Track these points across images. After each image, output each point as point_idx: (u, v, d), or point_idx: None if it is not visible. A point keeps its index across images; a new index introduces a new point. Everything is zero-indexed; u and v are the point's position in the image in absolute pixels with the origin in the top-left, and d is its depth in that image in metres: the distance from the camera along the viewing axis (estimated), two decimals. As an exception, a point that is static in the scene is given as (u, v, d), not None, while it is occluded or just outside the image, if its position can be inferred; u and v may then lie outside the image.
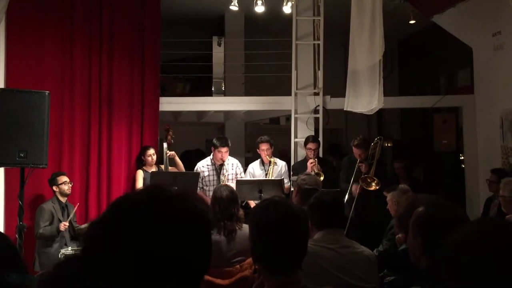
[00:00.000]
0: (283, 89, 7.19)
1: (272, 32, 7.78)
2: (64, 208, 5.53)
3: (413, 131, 9.72)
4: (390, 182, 5.50)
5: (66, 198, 5.58)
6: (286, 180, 5.90)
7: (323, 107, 6.88)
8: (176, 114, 8.23)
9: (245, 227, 3.55)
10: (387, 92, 5.84)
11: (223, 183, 5.58)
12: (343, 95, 6.22)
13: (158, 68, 6.68)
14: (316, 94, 6.92)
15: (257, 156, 6.29)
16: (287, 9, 6.98)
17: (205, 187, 5.84)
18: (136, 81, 6.49)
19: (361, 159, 5.72)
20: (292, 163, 6.59)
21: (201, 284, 0.99)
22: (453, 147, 7.82)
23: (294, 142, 6.87)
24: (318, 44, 6.90)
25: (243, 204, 5.51)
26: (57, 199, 5.51)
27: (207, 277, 3.40)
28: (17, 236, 4.70)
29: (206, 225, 1.00)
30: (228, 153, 5.81)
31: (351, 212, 5.53)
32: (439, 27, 7.02)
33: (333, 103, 6.92)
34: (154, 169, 6.10)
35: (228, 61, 8.23)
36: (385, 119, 10.17)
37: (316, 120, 6.91)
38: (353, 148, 5.82)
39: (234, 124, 8.96)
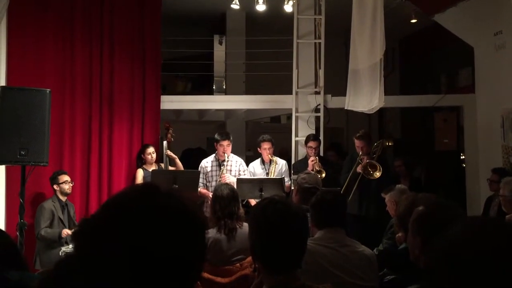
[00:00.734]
0: (284, 87, 7.19)
1: (273, 31, 7.78)
2: (64, 207, 5.54)
3: (414, 130, 9.71)
4: (392, 179, 5.50)
5: (66, 197, 5.59)
6: (286, 179, 5.90)
7: (324, 106, 6.89)
8: (177, 112, 8.24)
9: (246, 225, 3.55)
10: (388, 91, 5.84)
11: (222, 177, 5.60)
12: (344, 94, 6.22)
13: (159, 66, 6.68)
14: (317, 93, 6.92)
15: (257, 155, 6.29)
16: (288, 7, 6.98)
17: (208, 183, 5.85)
18: (137, 80, 6.49)
19: (363, 152, 5.71)
20: (293, 161, 6.60)
21: (200, 283, 0.99)
22: (454, 146, 7.82)
23: (295, 141, 6.87)
24: (319, 43, 6.90)
25: (244, 203, 5.52)
26: (57, 197, 5.52)
27: (207, 275, 3.40)
28: (18, 234, 4.71)
29: (195, 223, 1.00)
30: (230, 147, 5.82)
31: (348, 198, 5.49)
32: (440, 26, 7.01)
33: (334, 102, 6.93)
34: (154, 167, 6.11)
35: (229, 59, 8.23)
36: (386, 118, 10.17)
37: (317, 119, 6.91)
38: (355, 140, 5.80)
39: (235, 123, 8.96)
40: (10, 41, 6.00)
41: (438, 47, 8.68)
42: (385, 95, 5.51)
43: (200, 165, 5.97)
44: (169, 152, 5.99)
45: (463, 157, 7.64)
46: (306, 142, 6.10)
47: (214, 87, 8.13)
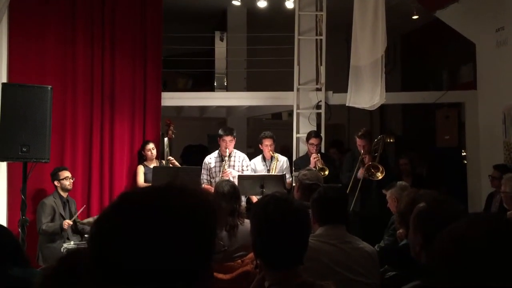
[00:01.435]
0: (285, 84, 7.19)
1: (274, 27, 7.77)
2: (65, 203, 5.55)
3: (415, 127, 9.70)
4: (393, 177, 5.49)
5: (67, 193, 5.60)
6: (288, 176, 5.90)
7: (325, 102, 6.88)
8: (178, 109, 8.23)
9: (247, 222, 3.56)
10: (389, 88, 5.83)
11: (224, 173, 5.61)
12: (345, 91, 6.22)
13: (160, 63, 6.68)
14: (318, 89, 6.91)
15: (258, 152, 6.30)
16: (289, 4, 6.97)
17: (212, 179, 5.86)
18: (138, 76, 6.49)
19: (364, 151, 5.71)
20: (294, 158, 6.59)
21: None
22: (455, 143, 7.80)
23: (296, 137, 6.87)
24: (321, 39, 6.88)
25: (246, 199, 5.53)
26: (59, 194, 5.53)
27: (208, 272, 3.40)
28: (20, 230, 4.72)
29: (214, 218, 1.00)
30: (233, 142, 5.83)
31: (352, 203, 5.50)
32: (442, 22, 6.99)
33: (335, 99, 6.92)
34: (155, 163, 6.12)
35: (230, 56, 8.22)
36: (387, 114, 10.16)
37: (318, 115, 6.91)
38: (357, 139, 5.80)
39: (236, 119, 8.95)
40: (11, 38, 6.00)
41: (440, 44, 8.66)
42: (386, 91, 5.51)
43: (204, 162, 5.99)
44: (171, 159, 5.98)
45: (465, 153, 7.63)
46: (308, 138, 6.09)
47: (215, 84, 8.12)
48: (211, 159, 5.93)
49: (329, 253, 2.52)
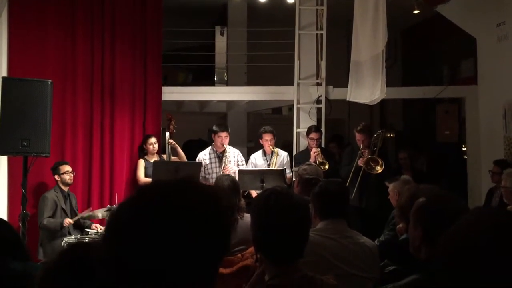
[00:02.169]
0: (286, 79, 7.17)
1: (275, 22, 7.75)
2: (66, 197, 5.56)
3: (416, 122, 9.70)
4: (393, 172, 5.49)
5: (68, 187, 5.61)
6: (288, 171, 5.91)
7: (326, 97, 6.87)
8: (178, 103, 8.23)
9: (247, 216, 3.56)
10: (389, 83, 5.82)
11: (225, 169, 5.61)
12: (346, 85, 6.21)
13: (160, 57, 6.67)
14: (318, 84, 6.90)
15: (259, 146, 6.30)
16: (290, -2, 6.94)
17: (207, 176, 5.86)
18: (138, 71, 6.49)
19: (363, 145, 5.71)
20: (294, 153, 6.60)
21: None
22: (455, 138, 7.80)
23: (296, 132, 6.87)
24: (321, 34, 6.86)
25: (245, 194, 5.54)
26: (60, 188, 5.54)
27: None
28: (20, 224, 4.73)
29: (225, 219, 1.00)
30: (228, 139, 5.84)
31: (352, 194, 5.50)
32: (443, 17, 6.98)
33: (336, 93, 6.91)
34: (156, 158, 6.12)
35: (230, 50, 8.20)
36: (388, 109, 10.14)
37: (319, 110, 6.90)
38: (356, 133, 5.80)
39: (237, 114, 8.95)
40: (11, 32, 5.99)
41: (441, 38, 8.64)
42: (387, 86, 5.50)
43: (197, 158, 5.98)
44: (171, 141, 6.00)
45: (465, 148, 7.63)
46: (308, 133, 6.10)
47: (215, 78, 8.11)
48: (205, 156, 5.93)
49: (330, 248, 2.53)
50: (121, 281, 0.90)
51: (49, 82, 4.91)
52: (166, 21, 6.81)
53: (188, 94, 7.46)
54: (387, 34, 5.42)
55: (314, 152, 5.84)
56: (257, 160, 6.09)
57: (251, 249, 3.40)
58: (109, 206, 5.24)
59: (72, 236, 5.08)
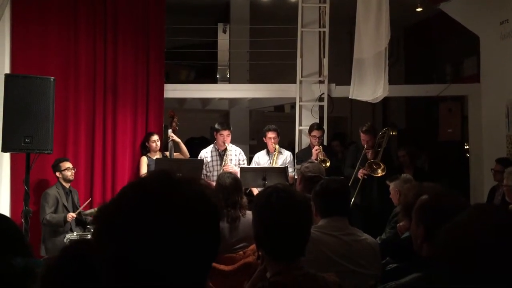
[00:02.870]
0: (288, 76, 7.17)
1: (277, 19, 7.74)
2: (68, 193, 5.57)
3: (418, 120, 9.68)
4: (395, 171, 5.49)
5: (69, 184, 5.62)
6: (290, 169, 5.90)
7: (328, 95, 6.86)
8: (181, 101, 8.23)
9: (249, 214, 3.56)
10: (392, 80, 5.81)
11: (226, 167, 5.61)
12: (348, 83, 6.20)
13: (163, 54, 6.67)
14: (321, 82, 6.90)
15: (261, 144, 6.30)
16: (292, -5, 6.93)
17: (208, 173, 5.86)
18: (141, 68, 6.49)
19: (368, 145, 5.71)
20: (296, 151, 6.59)
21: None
22: (458, 136, 7.79)
23: (299, 130, 6.86)
24: (324, 32, 6.85)
25: (247, 192, 5.54)
26: (61, 184, 5.55)
27: (210, 263, 3.42)
28: (23, 221, 4.74)
29: (215, 214, 0.99)
30: (230, 137, 5.84)
31: (353, 198, 5.52)
32: (446, 15, 6.96)
33: (338, 91, 6.90)
34: (158, 155, 6.13)
35: (233, 48, 8.19)
36: (390, 107, 10.13)
37: (321, 108, 6.89)
38: (361, 134, 5.80)
39: (239, 112, 8.95)
40: (14, 29, 5.99)
41: (444, 36, 8.62)
42: (389, 84, 5.49)
43: (199, 156, 5.98)
44: (173, 136, 6.00)
45: (467, 147, 7.62)
46: (310, 131, 6.09)
47: (217, 76, 8.11)
48: (207, 153, 5.93)
49: (331, 245, 2.53)
50: (111, 278, 0.90)
51: (52, 79, 4.91)
52: (169, 18, 6.81)
53: (190, 92, 7.46)
54: (390, 32, 5.41)
55: (316, 149, 5.84)
56: (261, 159, 6.09)
57: (253, 246, 3.41)
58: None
59: (74, 233, 5.09)
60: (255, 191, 5.61)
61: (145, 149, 6.26)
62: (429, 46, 9.29)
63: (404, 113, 10.27)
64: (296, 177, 5.50)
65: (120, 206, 0.94)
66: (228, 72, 8.13)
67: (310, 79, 6.93)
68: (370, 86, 5.70)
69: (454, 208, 1.71)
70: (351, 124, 9.68)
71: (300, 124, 6.87)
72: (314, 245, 2.30)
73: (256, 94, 7.54)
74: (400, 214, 3.66)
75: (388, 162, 5.68)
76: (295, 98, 6.93)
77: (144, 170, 6.09)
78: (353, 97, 6.11)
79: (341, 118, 9.71)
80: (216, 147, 5.93)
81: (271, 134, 5.97)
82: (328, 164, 5.57)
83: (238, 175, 4.75)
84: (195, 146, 7.02)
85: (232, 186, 3.66)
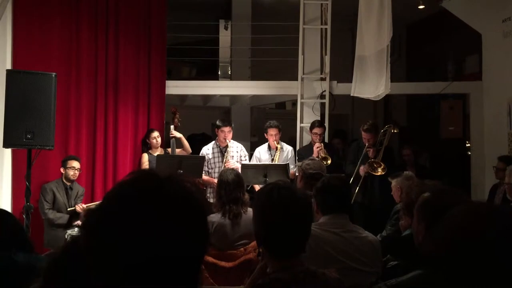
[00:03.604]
0: (290, 73, 7.16)
1: (279, 16, 7.72)
2: (68, 189, 5.59)
3: (420, 118, 9.67)
4: (397, 169, 5.49)
5: (70, 183, 5.63)
6: (292, 166, 5.90)
7: (330, 92, 6.86)
8: (182, 98, 8.23)
9: (250, 210, 3.57)
10: (394, 78, 5.81)
11: (227, 164, 5.62)
12: (350, 81, 6.20)
13: (164, 51, 6.66)
14: (322, 79, 6.89)
15: (262, 141, 6.29)
16: (294, -8, 6.91)
17: (210, 170, 5.87)
18: (142, 64, 6.49)
19: (369, 144, 5.71)
20: (298, 148, 6.59)
21: (205, 267, 0.98)
22: (459, 134, 7.78)
23: (300, 127, 6.86)
24: (326, 29, 6.84)
25: (248, 188, 5.54)
26: (62, 180, 5.58)
27: (211, 260, 3.43)
28: (24, 216, 4.75)
29: (200, 213, 0.97)
30: (231, 133, 5.83)
31: (354, 195, 5.53)
32: (448, 13, 6.94)
33: (340, 89, 6.90)
34: (159, 152, 6.13)
35: (234, 45, 8.18)
36: (392, 105, 10.12)
37: (322, 105, 6.89)
38: (362, 132, 5.80)
39: (240, 109, 8.95)
40: (15, 24, 5.99)
41: (446, 34, 8.60)
42: (391, 82, 5.48)
43: (200, 153, 5.98)
44: (174, 132, 5.99)
45: (469, 145, 7.61)
46: (311, 128, 6.09)
47: (219, 73, 8.10)
48: (208, 150, 5.93)
49: (332, 242, 2.54)
50: (100, 277, 0.90)
51: (53, 75, 4.92)
52: (170, 15, 6.79)
53: (192, 88, 7.46)
54: (392, 29, 5.40)
55: (317, 147, 5.84)
56: (262, 155, 6.09)
57: (254, 243, 3.41)
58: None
59: (75, 229, 5.10)
60: (257, 187, 5.61)
61: (146, 146, 6.26)
62: (431, 43, 9.27)
63: (405, 111, 10.25)
64: (297, 173, 5.50)
65: (105, 209, 0.94)
66: (229, 69, 8.12)
67: (312, 76, 6.92)
68: (371, 84, 5.70)
69: (455, 206, 1.71)
70: (353, 122, 9.67)
71: (301, 121, 6.86)
72: (314, 242, 2.31)
73: (257, 91, 7.53)
74: (402, 212, 3.67)
75: (390, 160, 5.68)
76: (296, 95, 6.93)
77: (145, 167, 6.09)
78: (355, 95, 6.10)
79: (343, 116, 9.70)
80: (217, 143, 5.93)
81: (272, 131, 5.97)
82: (329, 161, 5.57)
83: (240, 171, 4.75)
84: (196, 143, 7.01)
85: (235, 182, 3.67)
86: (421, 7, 8.24)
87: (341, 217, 2.65)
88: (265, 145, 6.15)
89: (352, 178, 5.60)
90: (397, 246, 3.37)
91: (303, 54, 6.85)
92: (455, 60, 8.69)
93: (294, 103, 7.50)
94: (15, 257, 2.16)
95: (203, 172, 5.77)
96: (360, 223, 3.43)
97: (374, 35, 5.61)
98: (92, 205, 5.38)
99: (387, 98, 7.48)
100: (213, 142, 6.01)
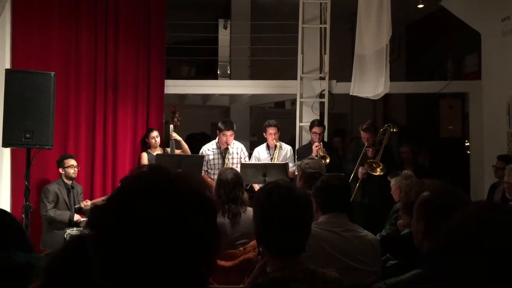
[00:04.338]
0: (289, 73, 7.16)
1: (278, 15, 7.72)
2: (69, 189, 5.59)
3: (419, 117, 9.67)
4: (396, 168, 5.49)
5: (71, 181, 5.63)
6: (291, 165, 5.90)
7: (329, 91, 6.86)
8: (181, 97, 8.22)
9: (250, 210, 3.57)
10: (393, 77, 5.81)
11: (228, 166, 5.61)
12: (349, 80, 6.20)
13: (164, 50, 6.66)
14: (322, 78, 6.89)
15: (262, 140, 6.29)
16: (294, -8, 6.91)
17: (209, 170, 5.86)
18: (142, 64, 6.48)
19: (368, 143, 5.71)
20: (297, 147, 6.59)
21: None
22: (459, 133, 7.78)
23: (299, 126, 6.86)
24: (325, 28, 6.84)
25: (248, 188, 5.54)
26: (63, 181, 5.57)
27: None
28: (23, 216, 4.75)
29: (210, 208, 0.97)
30: (233, 137, 5.83)
31: (353, 194, 5.52)
32: (447, 12, 6.94)
33: (339, 88, 6.89)
34: (159, 151, 6.13)
35: (234, 44, 8.18)
36: (391, 104, 10.12)
37: (322, 104, 6.89)
38: (361, 132, 5.80)
39: (239, 108, 8.94)
40: (14, 23, 5.98)
41: (445, 33, 8.60)
42: (390, 81, 5.49)
43: (200, 151, 5.97)
44: (174, 135, 6.00)
45: (468, 144, 7.62)
46: (311, 127, 6.09)
47: (218, 72, 8.09)
48: (209, 151, 5.92)
49: (331, 241, 2.54)
50: (104, 278, 0.90)
51: (52, 74, 4.91)
52: (170, 14, 6.79)
53: (191, 88, 7.45)
54: (391, 29, 5.40)
55: (316, 146, 5.84)
56: (261, 154, 6.09)
57: (253, 242, 3.41)
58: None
59: (75, 228, 5.10)
60: (256, 187, 5.61)
61: (145, 145, 6.26)
62: (430, 42, 9.27)
63: (405, 110, 10.25)
64: (296, 172, 5.50)
65: (114, 204, 0.93)
66: (228, 68, 8.12)
67: (311, 75, 6.92)
68: (371, 83, 5.70)
69: (454, 204, 1.71)
70: (352, 121, 9.67)
71: (300, 121, 6.86)
72: (314, 241, 2.31)
73: (256, 90, 7.53)
74: (401, 211, 3.67)
75: (390, 159, 5.67)
76: (295, 95, 6.93)
77: (144, 166, 6.09)
78: (354, 94, 6.10)
79: (342, 115, 9.70)
80: (218, 144, 5.92)
81: (271, 130, 5.97)
82: (328, 160, 5.57)
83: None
84: (196, 142, 7.01)
85: (234, 181, 3.66)
86: (420, 6, 8.24)
87: (340, 216, 2.66)
88: (264, 145, 6.16)
89: (351, 177, 5.60)
90: (397, 245, 3.37)
91: (302, 53, 6.84)
92: (454, 59, 8.69)
93: (294, 102, 7.50)
94: (15, 257, 2.16)
95: (202, 171, 5.77)
96: (359, 222, 3.44)
97: (373, 34, 5.62)
98: (98, 200, 5.39)
99: (387, 97, 7.48)
100: (214, 142, 5.99)
